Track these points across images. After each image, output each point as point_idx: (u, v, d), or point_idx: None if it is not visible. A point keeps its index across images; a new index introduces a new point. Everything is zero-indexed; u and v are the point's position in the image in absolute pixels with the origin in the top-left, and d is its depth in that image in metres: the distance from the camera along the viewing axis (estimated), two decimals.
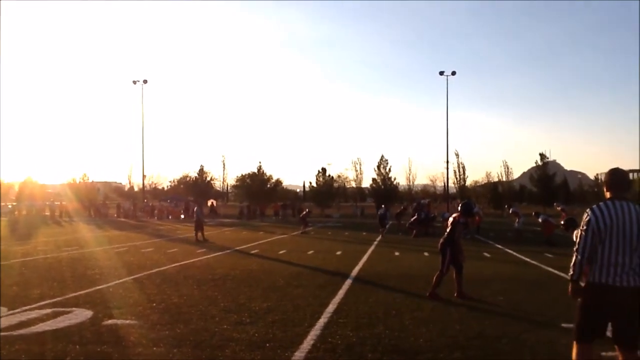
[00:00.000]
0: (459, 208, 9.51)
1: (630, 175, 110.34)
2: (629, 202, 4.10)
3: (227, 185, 78.61)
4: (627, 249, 3.99)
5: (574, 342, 4.24)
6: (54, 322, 7.06)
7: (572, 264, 4.20)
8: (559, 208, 23.22)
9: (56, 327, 6.80)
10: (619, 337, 4.08)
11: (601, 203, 4.15)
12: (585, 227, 4.10)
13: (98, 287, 9.93)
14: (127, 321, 7.17)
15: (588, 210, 4.17)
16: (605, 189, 4.26)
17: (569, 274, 4.23)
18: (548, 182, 67.50)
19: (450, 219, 9.32)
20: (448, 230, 9.18)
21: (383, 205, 32.66)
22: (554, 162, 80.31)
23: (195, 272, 12.16)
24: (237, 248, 18.53)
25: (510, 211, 30.19)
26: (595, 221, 4.05)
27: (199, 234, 22.17)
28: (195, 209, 24.11)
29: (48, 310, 7.78)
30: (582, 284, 4.22)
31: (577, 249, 4.15)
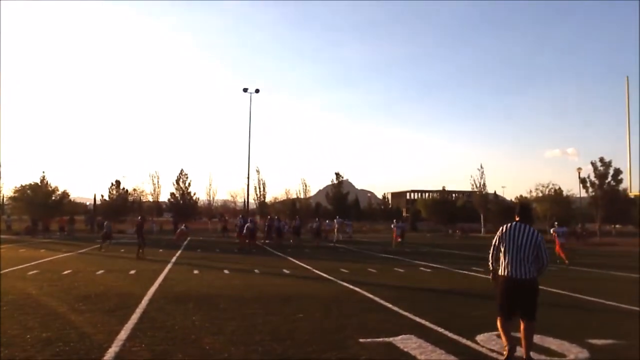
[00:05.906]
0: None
1: (409, 195, 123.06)
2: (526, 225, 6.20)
3: (3, 197, 69.33)
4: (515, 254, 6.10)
5: None
6: None
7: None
8: (553, 233, 22.90)
9: None
10: None
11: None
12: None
13: None
14: None
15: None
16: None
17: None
18: (342, 199, 72.34)
19: None
20: None
21: (297, 217, 39.91)
22: (347, 181, 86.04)
23: None
24: (13, 268, 16.32)
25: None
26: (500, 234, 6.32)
27: None
28: None
29: None
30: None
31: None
